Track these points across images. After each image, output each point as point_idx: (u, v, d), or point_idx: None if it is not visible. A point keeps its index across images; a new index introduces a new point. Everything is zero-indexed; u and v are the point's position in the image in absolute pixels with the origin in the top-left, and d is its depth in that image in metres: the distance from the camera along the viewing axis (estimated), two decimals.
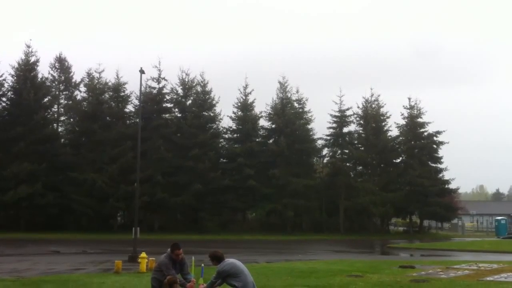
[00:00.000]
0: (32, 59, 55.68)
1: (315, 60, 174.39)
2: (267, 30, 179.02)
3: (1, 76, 54.77)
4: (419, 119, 65.41)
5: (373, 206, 58.34)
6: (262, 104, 66.32)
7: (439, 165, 65.01)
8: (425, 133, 65.17)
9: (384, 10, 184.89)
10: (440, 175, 64.64)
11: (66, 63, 61.91)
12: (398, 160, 66.63)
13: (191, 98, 61.85)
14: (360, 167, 66.49)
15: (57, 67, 61.13)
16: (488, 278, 16.29)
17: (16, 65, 55.12)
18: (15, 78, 54.97)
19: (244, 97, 63.01)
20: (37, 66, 56.13)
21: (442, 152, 65.16)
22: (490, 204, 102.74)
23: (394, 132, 66.67)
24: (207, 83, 61.96)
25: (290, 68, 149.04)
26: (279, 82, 64.59)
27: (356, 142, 65.28)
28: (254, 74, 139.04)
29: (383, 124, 65.70)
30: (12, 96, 55.04)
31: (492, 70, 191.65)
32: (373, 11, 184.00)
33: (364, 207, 59.00)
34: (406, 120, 65.87)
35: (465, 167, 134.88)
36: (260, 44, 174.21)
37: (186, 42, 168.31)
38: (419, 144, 64.87)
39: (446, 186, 64.05)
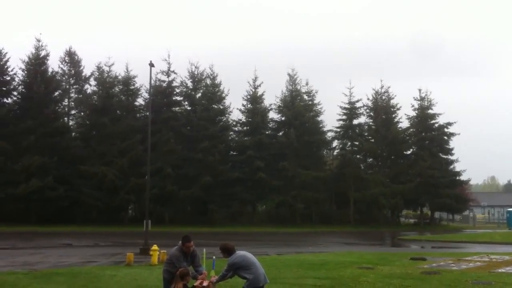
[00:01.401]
0: (42, 53, 55.87)
1: (324, 52, 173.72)
2: (276, 23, 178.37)
3: (12, 70, 55.20)
4: (430, 111, 65.04)
5: (383, 198, 58.16)
6: (272, 96, 66.42)
7: (450, 157, 64.69)
8: (436, 125, 64.79)
9: (386, 7, 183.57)
10: (451, 166, 64.31)
11: (76, 57, 62.21)
12: (409, 152, 66.33)
13: (201, 91, 61.91)
14: (370, 159, 66.30)
15: (67, 61, 61.40)
16: (499, 270, 16.21)
17: (27, 60, 55.30)
18: (25, 72, 55.22)
19: (253, 90, 62.93)
20: (47, 60, 56.32)
21: (453, 143, 64.94)
22: (502, 196, 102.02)
23: (404, 123, 66.42)
24: (217, 76, 62.07)
25: (299, 61, 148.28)
26: (289, 75, 64.53)
27: (366, 134, 65.00)
28: (263, 67, 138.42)
29: (393, 115, 65.32)
30: (23, 90, 55.32)
31: (504, 60, 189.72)
32: (380, 3, 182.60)
33: (374, 199, 58.83)
34: (416, 111, 65.53)
35: (477, 159, 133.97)
36: (269, 37, 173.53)
37: (196, 34, 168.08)
38: (430, 135, 64.50)
39: (457, 178, 63.71)
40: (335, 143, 66.16)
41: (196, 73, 61.55)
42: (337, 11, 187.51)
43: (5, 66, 54.99)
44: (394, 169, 63.46)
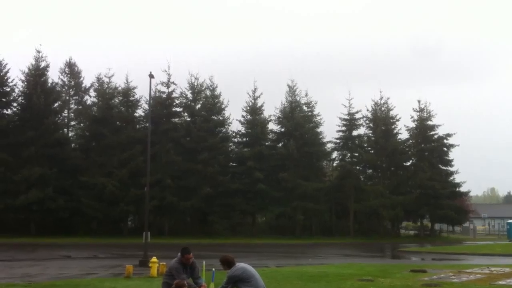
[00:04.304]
0: (42, 64, 56.05)
1: (323, 62, 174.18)
2: (274, 33, 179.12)
3: (12, 81, 55.39)
4: (429, 122, 65.12)
5: (383, 209, 58.09)
6: (271, 107, 66.50)
7: (449, 168, 64.64)
8: (435, 136, 64.82)
9: (386, 9, 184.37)
10: (451, 178, 64.24)
11: (76, 68, 62.43)
12: (408, 163, 66.22)
13: (200, 102, 61.95)
14: (370, 170, 66.31)
15: (67, 72, 61.59)
16: (500, 282, 16.14)
17: (27, 71, 55.49)
18: (25, 83, 55.34)
19: (253, 101, 63.00)
20: (47, 71, 56.46)
21: (452, 154, 64.89)
22: (502, 207, 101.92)
23: (404, 135, 66.40)
24: (216, 87, 62.15)
25: (298, 70, 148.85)
26: (288, 86, 64.64)
27: (365, 145, 65.11)
28: (262, 77, 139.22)
29: (393, 127, 65.39)
30: (23, 101, 55.39)
31: (503, 69, 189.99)
32: (376, 10, 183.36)
33: (374, 210, 58.76)
34: (415, 122, 65.60)
35: (476, 170, 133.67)
36: (269, 47, 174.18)
37: (195, 43, 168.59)
38: (429, 146, 64.50)
39: (457, 189, 63.61)
40: (335, 154, 66.30)
41: (196, 84, 61.65)
42: (336, 15, 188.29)
43: (5, 77, 55.18)
44: (394, 180, 63.43)
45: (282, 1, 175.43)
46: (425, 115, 65.45)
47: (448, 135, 64.31)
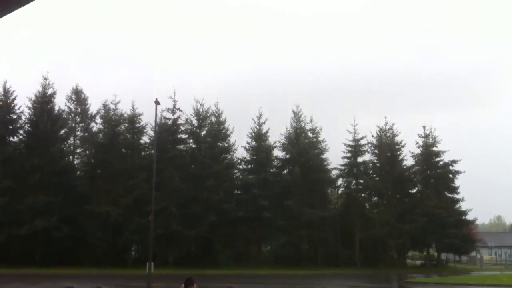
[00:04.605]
0: (49, 91, 56.54)
1: (328, 86, 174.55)
2: (281, 58, 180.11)
3: (18, 108, 55.86)
4: (434, 148, 64.78)
5: (390, 238, 57.57)
6: (276, 133, 66.47)
7: (455, 195, 64.03)
8: (441, 162, 64.43)
9: (389, 36, 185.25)
10: (457, 205, 63.65)
11: (83, 95, 62.87)
12: (414, 190, 65.80)
13: (206, 128, 62.10)
14: (376, 198, 65.90)
15: (74, 99, 62.01)
16: None
17: (34, 98, 55.94)
18: (32, 110, 55.78)
19: (258, 127, 63.06)
20: (54, 98, 56.94)
21: (458, 181, 64.38)
22: (509, 236, 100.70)
23: (409, 161, 66.05)
24: (221, 113, 62.34)
25: (303, 95, 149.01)
26: (293, 112, 64.75)
27: (371, 171, 64.81)
28: (267, 100, 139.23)
29: (398, 153, 65.13)
30: (29, 128, 55.75)
31: (510, 95, 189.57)
32: (378, 39, 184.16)
33: (380, 239, 58.22)
34: (421, 149, 65.33)
35: (482, 197, 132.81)
36: (274, 73, 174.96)
37: (200, 68, 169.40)
38: (435, 173, 64.08)
39: (463, 217, 62.93)
40: (340, 181, 65.87)
41: (201, 110, 61.86)
42: (340, 46, 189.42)
43: (12, 105, 55.66)
44: (400, 208, 62.91)
45: (288, 35, 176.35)
46: (430, 141, 65.22)
47: (454, 161, 63.92)
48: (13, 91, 55.94)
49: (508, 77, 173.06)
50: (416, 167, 65.98)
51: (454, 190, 64.28)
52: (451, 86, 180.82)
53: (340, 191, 67.68)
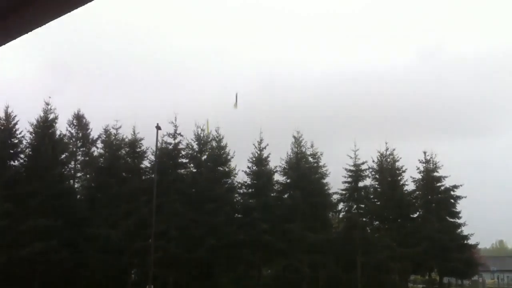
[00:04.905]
0: (51, 116, 56.88)
1: (328, 111, 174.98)
2: (281, 82, 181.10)
3: (20, 133, 56.10)
4: (435, 173, 64.87)
5: (391, 262, 57.17)
6: (277, 157, 66.63)
7: (457, 220, 63.83)
8: (442, 187, 64.44)
9: (389, 68, 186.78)
10: (459, 230, 63.42)
11: (84, 120, 63.25)
12: (416, 215, 65.64)
13: (206, 153, 62.32)
14: (377, 222, 65.66)
15: (75, 124, 62.38)
16: None
17: (35, 123, 56.29)
18: (33, 135, 56.01)
19: (258, 152, 63.23)
20: (56, 123, 57.23)
21: (460, 206, 64.25)
22: (511, 260, 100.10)
23: (410, 186, 66.04)
24: (222, 138, 62.67)
25: (303, 120, 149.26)
26: (294, 137, 64.96)
27: (372, 196, 64.74)
28: (267, 126, 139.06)
29: (399, 178, 65.19)
30: (30, 152, 55.89)
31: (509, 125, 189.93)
32: (377, 70, 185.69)
33: (382, 263, 57.81)
34: (422, 174, 65.41)
35: (483, 221, 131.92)
36: (274, 97, 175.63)
37: (200, 91, 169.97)
38: (436, 198, 64.03)
39: (465, 242, 62.65)
40: (341, 206, 65.75)
41: (202, 135, 62.18)
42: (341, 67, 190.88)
43: (14, 129, 55.92)
44: (401, 232, 62.61)
45: (289, 62, 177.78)
46: (431, 166, 65.33)
47: (455, 186, 63.87)
48: (15, 116, 56.33)
49: (509, 106, 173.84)
50: (417, 192, 65.93)
51: (456, 215, 64.09)
52: (453, 113, 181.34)
53: (341, 215, 67.50)
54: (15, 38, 3.36)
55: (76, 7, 2.98)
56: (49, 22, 3.14)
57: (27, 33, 3.29)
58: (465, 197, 64.20)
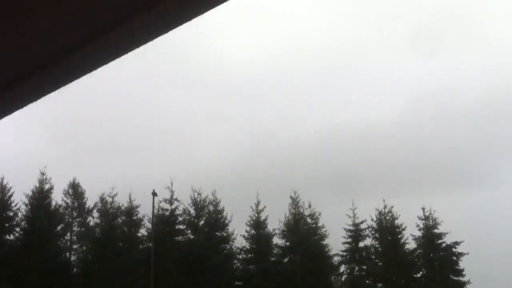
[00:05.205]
0: (46, 186, 56.61)
1: (324, 171, 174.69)
2: (276, 139, 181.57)
3: (15, 205, 55.62)
4: (436, 230, 64.15)
5: None
6: (275, 216, 66.03)
7: (461, 278, 62.66)
8: (443, 245, 63.57)
9: (389, 127, 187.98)
10: None
11: (80, 189, 62.77)
12: (419, 275, 64.39)
13: (204, 218, 61.67)
14: (380, 284, 64.33)
15: (71, 193, 61.91)
16: None
17: (30, 194, 55.93)
18: (29, 207, 55.53)
19: (256, 215, 62.64)
20: (51, 193, 56.91)
21: (462, 263, 63.19)
22: None
23: (411, 244, 65.02)
24: (219, 201, 62.14)
25: (300, 179, 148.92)
26: (291, 197, 64.50)
27: (373, 257, 63.72)
28: (263, 186, 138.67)
29: (399, 236, 64.34)
30: (26, 225, 55.26)
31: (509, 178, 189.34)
32: (377, 127, 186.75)
33: None
34: (422, 231, 64.63)
35: (489, 278, 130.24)
36: (270, 155, 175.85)
37: (196, 153, 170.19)
38: (438, 256, 62.92)
39: None
40: (343, 268, 64.58)
41: (198, 200, 61.75)
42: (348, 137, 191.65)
43: (9, 202, 55.45)
44: None
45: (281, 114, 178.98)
46: (430, 222, 64.59)
47: (456, 243, 62.94)
48: (10, 187, 56.02)
49: (509, 159, 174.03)
50: (419, 250, 64.93)
51: (459, 273, 62.89)
52: (447, 165, 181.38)
53: (343, 278, 66.19)
54: (13, 112, 3.26)
55: (75, 79, 2.88)
56: (46, 95, 3.04)
57: (25, 106, 3.18)
58: (467, 253, 63.32)
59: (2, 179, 56.16)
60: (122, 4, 2.29)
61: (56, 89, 2.96)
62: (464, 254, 62.99)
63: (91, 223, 61.01)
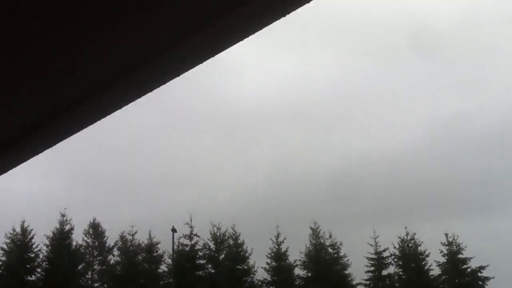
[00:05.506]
0: (67, 227, 57.07)
1: (342, 195, 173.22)
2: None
3: (36, 247, 55.98)
4: (460, 256, 62.97)
5: None
6: (295, 248, 65.56)
7: None
8: (468, 269, 62.31)
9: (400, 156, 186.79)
10: None
11: (100, 228, 63.06)
12: None
13: (224, 252, 61.41)
14: None
15: (91, 233, 62.21)
16: None
17: (51, 235, 56.34)
18: (50, 248, 55.89)
19: (277, 247, 62.22)
20: (72, 234, 57.32)
21: None
22: None
23: (435, 270, 63.86)
24: (239, 235, 61.97)
25: (319, 210, 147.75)
26: (311, 228, 64.09)
27: (397, 285, 62.55)
28: (283, 218, 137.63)
29: (423, 263, 63.27)
30: (47, 266, 55.48)
31: None
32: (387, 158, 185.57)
33: None
34: (446, 257, 63.49)
35: None
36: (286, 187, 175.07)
37: (215, 189, 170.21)
38: (464, 281, 61.58)
39: None
40: None
41: (218, 234, 61.62)
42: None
43: (30, 243, 55.86)
44: None
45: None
46: (454, 248, 63.54)
47: (482, 267, 61.64)
48: (31, 230, 56.53)
49: None
50: (444, 276, 63.73)
51: None
52: (467, 190, 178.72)
53: None
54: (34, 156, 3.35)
55: (91, 123, 2.95)
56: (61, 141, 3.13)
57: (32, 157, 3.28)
58: (493, 277, 61.96)
59: (23, 222, 56.81)
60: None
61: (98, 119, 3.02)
62: (490, 278, 61.66)
63: (112, 261, 61.11)
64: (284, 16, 2.32)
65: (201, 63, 2.60)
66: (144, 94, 2.79)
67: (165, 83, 2.74)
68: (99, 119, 2.94)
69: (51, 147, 3.24)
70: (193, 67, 2.62)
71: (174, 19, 2.32)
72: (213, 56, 2.57)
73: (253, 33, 2.41)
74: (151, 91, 2.79)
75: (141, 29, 2.36)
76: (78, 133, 3.09)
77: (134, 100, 2.84)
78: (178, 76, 2.69)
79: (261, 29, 2.39)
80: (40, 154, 3.36)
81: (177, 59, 2.56)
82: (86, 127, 3.01)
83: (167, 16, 2.29)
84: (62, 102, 2.82)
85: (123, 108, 2.86)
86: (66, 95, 2.78)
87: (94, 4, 2.18)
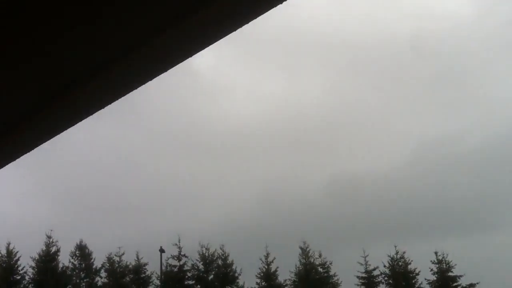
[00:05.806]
0: (53, 249, 56.24)
1: (331, 214, 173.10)
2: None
3: (22, 269, 55.07)
4: (450, 273, 62.91)
5: None
6: (285, 267, 65.22)
7: None
8: (459, 287, 62.24)
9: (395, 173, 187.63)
10: None
11: (87, 250, 62.20)
12: None
13: (213, 272, 60.82)
14: None
15: (78, 255, 61.34)
16: None
17: (37, 257, 55.48)
18: (35, 270, 54.99)
19: (266, 266, 61.77)
20: (58, 256, 56.48)
21: None
22: None
23: None
24: (228, 255, 61.38)
25: (308, 228, 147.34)
26: (300, 248, 63.70)
27: None
28: (272, 237, 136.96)
29: (413, 281, 63.10)
30: None
31: None
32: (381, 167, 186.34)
33: None
34: (436, 275, 63.38)
35: None
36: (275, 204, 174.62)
37: (204, 207, 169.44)
38: None
39: None
40: None
41: (207, 254, 61.03)
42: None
43: (16, 265, 54.96)
44: None
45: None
46: (444, 266, 63.48)
47: (472, 285, 61.67)
48: (17, 252, 55.66)
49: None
50: None
51: None
52: (459, 212, 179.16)
53: None
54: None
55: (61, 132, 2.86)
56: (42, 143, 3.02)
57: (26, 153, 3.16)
58: None
59: (9, 244, 55.94)
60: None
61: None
62: None
63: (99, 283, 60.17)
64: (256, 18, 2.21)
65: (175, 65, 2.49)
66: (112, 100, 2.68)
67: (139, 86, 2.64)
68: (65, 127, 2.84)
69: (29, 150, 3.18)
70: (166, 68, 2.51)
71: (143, 18, 2.23)
72: (183, 60, 2.46)
73: (224, 36, 2.30)
74: (124, 95, 2.68)
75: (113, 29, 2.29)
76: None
77: (104, 106, 2.74)
78: (151, 79, 2.59)
79: (230, 32, 2.29)
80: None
81: (151, 58, 2.46)
82: (49, 137, 2.93)
83: (135, 16, 2.22)
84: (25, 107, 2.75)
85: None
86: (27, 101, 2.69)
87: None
